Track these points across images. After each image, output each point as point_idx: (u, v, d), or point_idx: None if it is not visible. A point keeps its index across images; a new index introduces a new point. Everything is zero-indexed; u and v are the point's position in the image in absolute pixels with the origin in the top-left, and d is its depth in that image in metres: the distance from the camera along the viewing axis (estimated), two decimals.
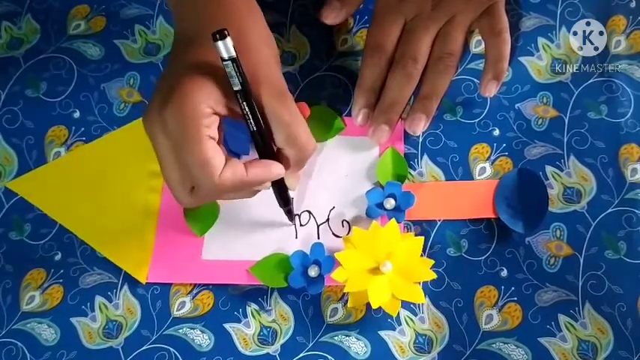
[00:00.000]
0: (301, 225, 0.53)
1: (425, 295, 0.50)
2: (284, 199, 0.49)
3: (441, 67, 0.53)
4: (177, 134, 0.42)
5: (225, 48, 0.41)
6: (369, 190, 0.52)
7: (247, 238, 0.52)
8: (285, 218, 0.52)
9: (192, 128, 0.41)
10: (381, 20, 0.54)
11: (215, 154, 0.42)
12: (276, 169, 0.45)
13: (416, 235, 0.51)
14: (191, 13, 0.47)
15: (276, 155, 0.46)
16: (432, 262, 0.50)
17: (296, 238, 0.52)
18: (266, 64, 0.45)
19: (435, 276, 0.49)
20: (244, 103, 0.43)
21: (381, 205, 0.52)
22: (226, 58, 0.41)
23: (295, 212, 0.52)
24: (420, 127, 0.53)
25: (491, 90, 0.53)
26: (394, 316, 0.49)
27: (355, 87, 0.54)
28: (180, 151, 0.42)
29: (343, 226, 0.52)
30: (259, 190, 0.47)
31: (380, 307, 0.48)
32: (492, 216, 0.52)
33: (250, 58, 0.44)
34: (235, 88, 0.42)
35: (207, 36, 0.41)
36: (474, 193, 0.53)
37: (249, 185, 0.44)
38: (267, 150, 0.45)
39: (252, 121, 0.44)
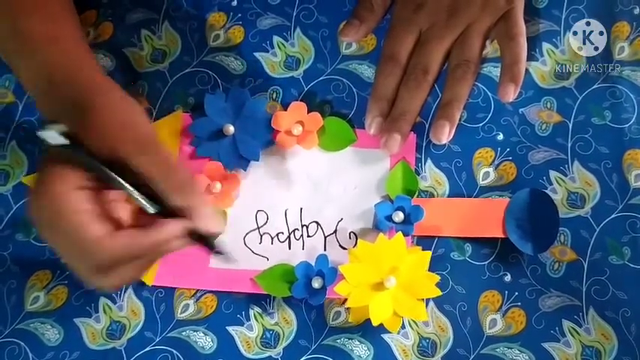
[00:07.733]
0: (308, 236, 0.53)
1: (429, 300, 0.50)
2: (208, 246, 0.44)
3: (459, 74, 0.52)
4: (55, 225, 0.41)
5: (52, 139, 0.40)
6: (377, 202, 0.52)
7: (255, 247, 0.52)
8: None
9: (61, 212, 0.40)
10: (396, 31, 0.54)
11: (91, 220, 0.40)
12: (171, 228, 0.41)
13: (423, 249, 0.50)
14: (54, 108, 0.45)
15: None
16: (438, 278, 0.49)
17: (303, 249, 0.52)
18: (129, 121, 0.42)
19: (439, 293, 0.49)
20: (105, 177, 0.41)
21: (389, 218, 0.52)
22: (58, 145, 0.40)
23: (303, 224, 0.53)
24: (444, 134, 0.51)
25: (509, 94, 0.51)
26: (394, 333, 0.49)
27: (369, 97, 0.54)
28: (66, 239, 0.41)
29: (350, 238, 0.52)
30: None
31: None
32: (501, 236, 0.51)
33: (105, 125, 0.41)
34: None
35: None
36: (484, 211, 0.52)
37: (150, 247, 0.41)
38: (163, 206, 0.42)
39: (124, 189, 0.41)
